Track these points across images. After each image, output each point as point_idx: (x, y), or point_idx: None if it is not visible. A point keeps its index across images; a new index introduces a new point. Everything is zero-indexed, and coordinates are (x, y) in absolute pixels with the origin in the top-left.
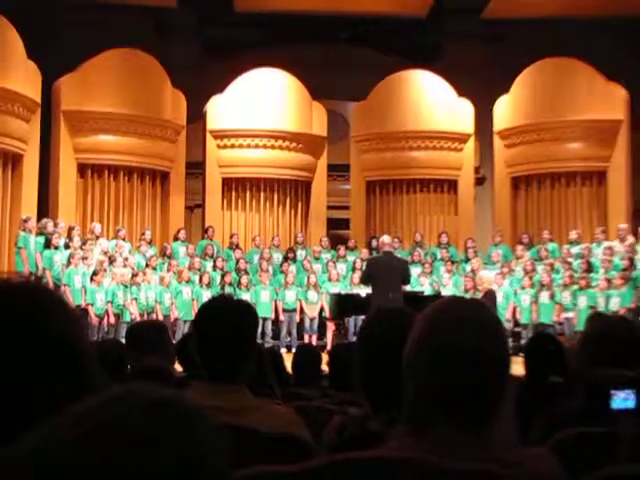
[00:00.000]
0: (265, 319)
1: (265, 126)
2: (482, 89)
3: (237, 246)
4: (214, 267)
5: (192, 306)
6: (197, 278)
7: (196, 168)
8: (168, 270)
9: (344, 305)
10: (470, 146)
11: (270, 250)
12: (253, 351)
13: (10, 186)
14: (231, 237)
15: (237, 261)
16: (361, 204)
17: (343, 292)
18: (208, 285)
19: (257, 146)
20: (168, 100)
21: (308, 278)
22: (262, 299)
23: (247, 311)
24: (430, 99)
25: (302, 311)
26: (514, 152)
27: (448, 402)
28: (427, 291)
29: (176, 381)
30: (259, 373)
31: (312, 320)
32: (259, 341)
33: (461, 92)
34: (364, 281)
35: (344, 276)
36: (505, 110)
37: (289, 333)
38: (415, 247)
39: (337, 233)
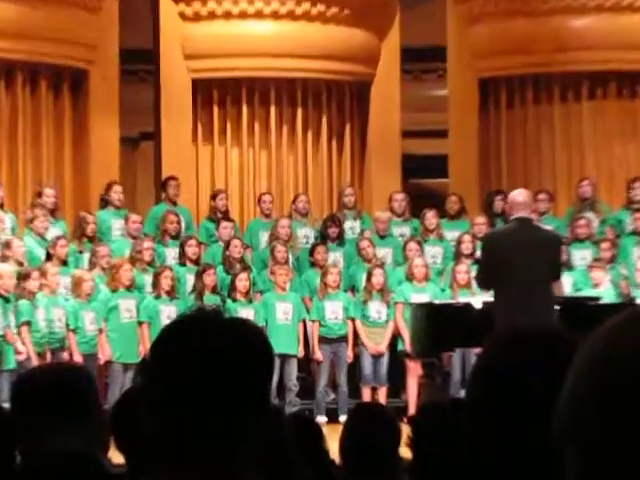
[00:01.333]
0: (286, 357)
1: None
2: None
3: (226, 215)
4: (181, 258)
5: (140, 336)
6: (148, 280)
7: (141, 62)
8: (91, 266)
9: (440, 328)
10: None
11: (292, 222)
12: (262, 418)
13: None
14: (214, 197)
15: (226, 245)
16: (469, 127)
17: (437, 302)
18: (171, 293)
19: (261, 15)
20: None
21: (369, 275)
22: (279, 318)
23: (250, 342)
24: None
25: (357, 341)
26: None
27: None
28: (608, 297)
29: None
30: (277, 459)
31: (377, 358)
32: (275, 400)
33: None
34: (481, 279)
35: (438, 271)
36: None
37: (333, 385)
38: (581, 209)
39: (422, 186)
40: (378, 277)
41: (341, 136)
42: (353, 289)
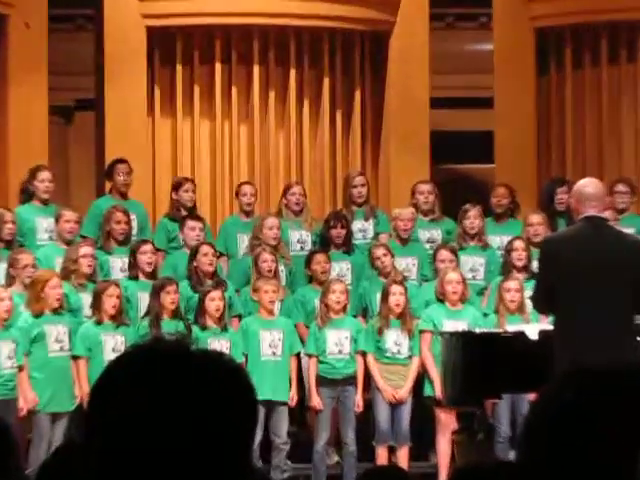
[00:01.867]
0: (273, 405)
1: None
2: None
3: (192, 213)
4: (132, 270)
5: (75, 376)
6: (87, 300)
7: (77, 4)
8: (8, 281)
9: (481, 366)
10: None
11: (282, 222)
12: None
13: None
14: (176, 188)
15: (193, 252)
16: (522, 94)
17: (478, 331)
18: (117, 318)
19: None
20: None
21: (385, 294)
22: (264, 352)
23: (224, 385)
24: None
25: (369, 384)
26: None
27: None
28: None
29: None
30: None
31: (396, 408)
32: (259, 463)
33: None
34: (538, 300)
35: (480, 289)
36: None
37: (336, 443)
38: None
39: (458, 173)
40: (397, 297)
41: (349, 106)
42: (364, 313)
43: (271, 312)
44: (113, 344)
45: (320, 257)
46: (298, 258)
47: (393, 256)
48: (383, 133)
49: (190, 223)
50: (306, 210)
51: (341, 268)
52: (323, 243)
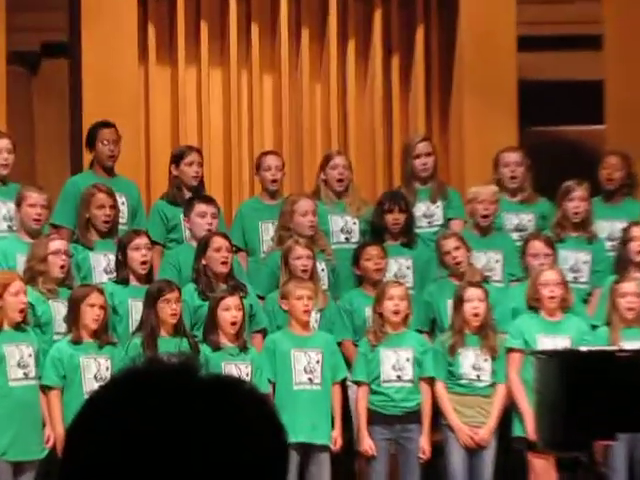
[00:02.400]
0: (310, 450)
1: None
2: None
3: (200, 193)
4: (120, 270)
5: (45, 411)
6: (60, 311)
7: None
8: None
9: (590, 397)
10: None
11: (319, 205)
12: None
13: None
14: (177, 160)
15: (202, 246)
16: None
17: (585, 349)
18: (100, 335)
19: None
20: None
21: (458, 301)
22: (298, 379)
23: (244, 423)
24: None
25: (439, 421)
26: None
27: None
28: None
29: None
30: None
31: (475, 454)
32: None
33: None
34: None
35: (585, 293)
36: None
37: None
38: None
39: (554, 138)
40: (476, 304)
41: (408, 48)
42: (432, 326)
43: (307, 326)
44: (95, 370)
45: (372, 251)
46: (342, 253)
47: (469, 250)
48: (455, 84)
49: (198, 207)
50: (352, 189)
51: (400, 266)
52: (376, 233)
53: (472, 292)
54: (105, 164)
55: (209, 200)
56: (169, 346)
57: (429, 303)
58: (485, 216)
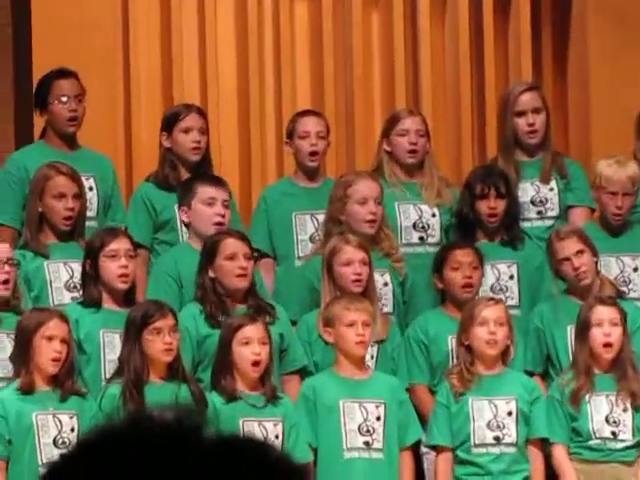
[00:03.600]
0: None
1: None
2: None
3: (205, 171)
4: (88, 286)
5: None
6: (3, 345)
7: None
8: None
9: None
10: None
11: (384, 186)
12: None
13: None
14: (170, 124)
15: (210, 248)
16: None
17: None
18: (60, 382)
19: None
20: None
21: (583, 327)
22: (349, 443)
23: None
24: None
25: None
26: None
27: None
28: None
29: None
30: None
31: None
32: None
33: None
34: None
35: None
36: None
37: None
38: None
39: None
40: (607, 330)
41: None
42: (545, 365)
43: (361, 365)
44: (55, 432)
45: (462, 256)
46: (416, 259)
47: (596, 255)
48: (575, 6)
49: (202, 191)
50: (430, 165)
51: (499, 275)
52: (464, 228)
53: (602, 313)
54: (63, 131)
55: (217, 181)
56: (161, 395)
57: (540, 331)
58: (619, 209)
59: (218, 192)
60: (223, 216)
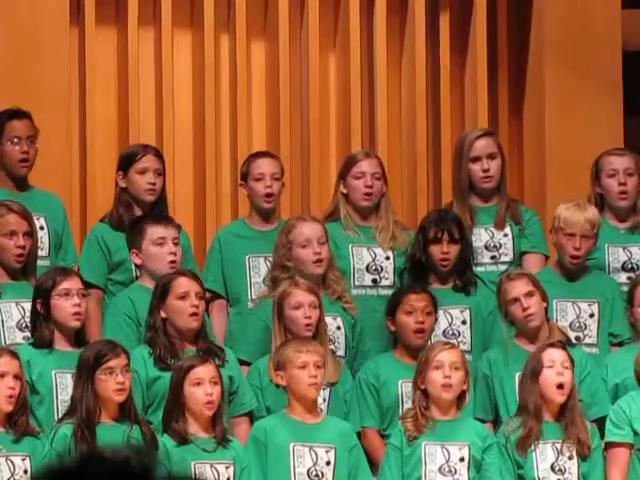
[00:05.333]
0: None
1: None
2: None
3: (160, 213)
4: (39, 327)
5: None
6: None
7: None
8: None
9: None
10: None
11: (337, 228)
12: None
13: None
14: (126, 164)
15: (162, 288)
16: None
17: None
18: (12, 422)
19: None
20: None
21: (531, 374)
22: None
23: None
24: None
25: None
26: None
27: None
28: None
29: None
30: None
31: None
32: None
33: None
34: None
35: None
36: None
37: None
38: None
39: None
40: (560, 370)
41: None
42: (496, 410)
43: (313, 408)
44: (8, 474)
45: (414, 299)
46: (369, 301)
47: (546, 300)
48: (531, 53)
49: (151, 232)
50: (386, 208)
51: (452, 319)
52: (417, 272)
53: (554, 354)
54: (15, 172)
55: (165, 220)
56: (113, 436)
57: (489, 378)
58: (576, 251)
59: (167, 231)
60: (175, 254)
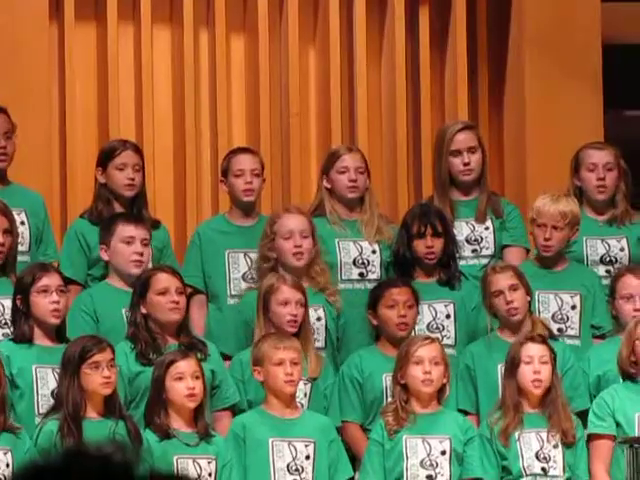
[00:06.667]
0: None
1: None
2: None
3: (139, 210)
4: (19, 323)
5: None
6: None
7: None
8: None
9: None
10: None
11: (321, 223)
12: None
13: None
14: (105, 159)
15: (142, 284)
16: None
17: None
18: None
19: None
20: None
21: (512, 366)
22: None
23: None
24: None
25: None
26: None
27: None
28: None
29: None
30: None
31: None
32: None
33: None
34: None
35: None
36: None
37: None
38: None
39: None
40: (537, 367)
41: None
42: (477, 403)
43: (291, 403)
44: None
45: (396, 292)
46: (355, 295)
47: (530, 294)
48: (511, 48)
49: (121, 229)
50: (370, 202)
51: (437, 313)
52: (402, 267)
53: (532, 350)
54: None
55: (137, 220)
56: (98, 431)
57: (471, 369)
58: (550, 241)
59: (137, 231)
60: (141, 254)
